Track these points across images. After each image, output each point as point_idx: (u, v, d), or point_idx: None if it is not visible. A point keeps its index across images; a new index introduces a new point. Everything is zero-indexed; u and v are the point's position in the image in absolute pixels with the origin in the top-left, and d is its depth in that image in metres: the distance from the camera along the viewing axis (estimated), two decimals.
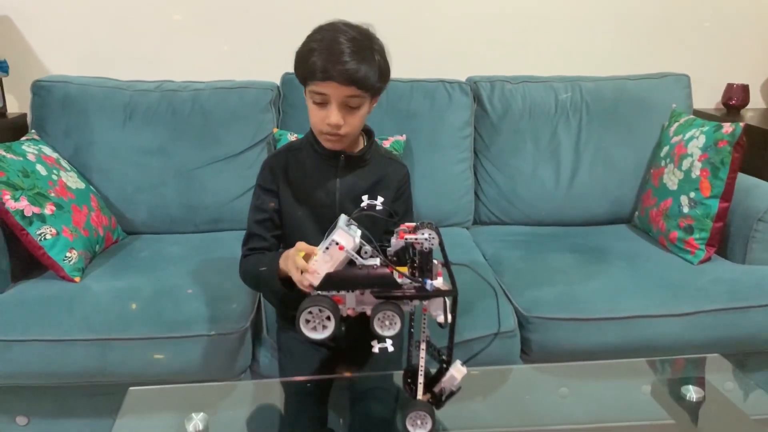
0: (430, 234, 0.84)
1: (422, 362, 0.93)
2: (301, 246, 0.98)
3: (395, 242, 0.89)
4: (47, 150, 1.68)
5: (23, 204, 1.43)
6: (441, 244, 0.85)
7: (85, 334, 1.33)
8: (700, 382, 1.25)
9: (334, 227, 0.87)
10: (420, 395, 0.94)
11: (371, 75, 1.07)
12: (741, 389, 1.27)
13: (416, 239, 0.85)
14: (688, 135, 1.74)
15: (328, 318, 0.85)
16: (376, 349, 0.87)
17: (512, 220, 1.99)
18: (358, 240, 0.86)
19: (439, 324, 0.89)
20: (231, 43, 2.08)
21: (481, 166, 1.99)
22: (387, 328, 0.86)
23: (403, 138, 1.85)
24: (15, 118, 1.94)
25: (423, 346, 0.92)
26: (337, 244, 0.85)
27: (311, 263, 0.88)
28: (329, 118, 1.09)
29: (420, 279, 0.86)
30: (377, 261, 0.88)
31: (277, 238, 1.24)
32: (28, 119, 1.83)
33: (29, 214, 1.44)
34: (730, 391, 1.25)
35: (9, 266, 1.47)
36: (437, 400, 0.95)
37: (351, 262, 0.87)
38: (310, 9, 1.96)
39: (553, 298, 1.50)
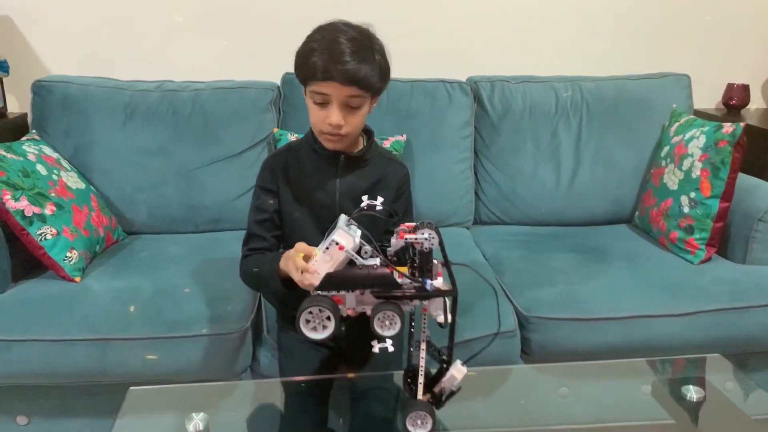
0: (430, 234, 0.84)
1: (422, 362, 0.93)
2: (301, 247, 0.98)
3: (395, 242, 0.89)
4: (47, 150, 1.68)
5: (23, 204, 1.43)
6: (441, 244, 0.85)
7: (85, 334, 1.33)
8: (701, 382, 1.25)
9: (334, 227, 0.87)
10: (420, 395, 0.94)
11: (372, 75, 1.07)
12: (741, 389, 1.27)
13: (416, 239, 0.85)
14: (688, 135, 1.74)
15: (328, 318, 0.85)
16: (376, 349, 0.87)
17: (512, 220, 1.99)
18: (358, 240, 0.86)
19: (439, 324, 0.89)
20: (231, 43, 2.08)
21: (482, 166, 1.99)
22: (387, 328, 0.86)
23: (403, 138, 1.85)
24: (15, 118, 1.94)
25: (423, 346, 0.92)
26: (337, 244, 0.85)
27: (311, 263, 0.88)
28: (330, 118, 1.09)
29: (420, 279, 0.86)
30: (377, 261, 0.88)
31: (277, 238, 1.24)
32: (29, 119, 1.83)
33: (30, 214, 1.44)
34: (730, 391, 1.25)
35: (9, 266, 1.47)
36: (437, 400, 0.95)
37: (351, 262, 0.87)
38: (310, 9, 1.96)
39: (554, 298, 1.50)
